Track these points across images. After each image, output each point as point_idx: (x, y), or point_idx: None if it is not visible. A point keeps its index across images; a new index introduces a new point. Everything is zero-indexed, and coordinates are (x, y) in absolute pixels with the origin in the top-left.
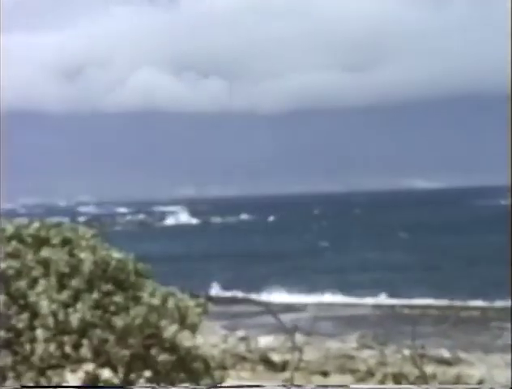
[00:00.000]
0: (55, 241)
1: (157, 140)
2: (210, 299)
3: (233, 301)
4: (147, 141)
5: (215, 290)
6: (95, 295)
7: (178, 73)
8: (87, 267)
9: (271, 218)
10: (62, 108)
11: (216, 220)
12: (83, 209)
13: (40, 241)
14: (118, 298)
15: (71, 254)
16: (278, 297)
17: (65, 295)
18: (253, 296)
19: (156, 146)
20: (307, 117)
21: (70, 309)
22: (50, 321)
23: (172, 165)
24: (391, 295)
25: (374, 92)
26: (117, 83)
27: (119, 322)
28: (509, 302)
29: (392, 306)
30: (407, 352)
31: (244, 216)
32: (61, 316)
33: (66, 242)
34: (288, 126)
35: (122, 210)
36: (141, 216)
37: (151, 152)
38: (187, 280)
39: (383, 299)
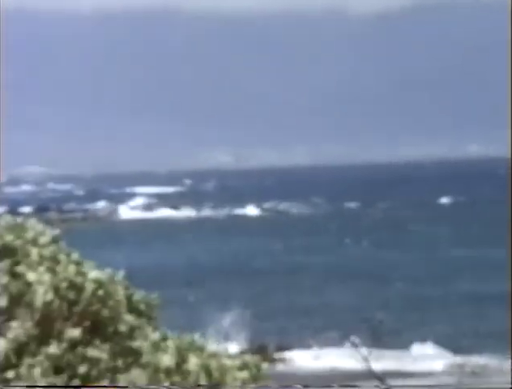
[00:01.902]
0: None
1: (169, 61)
2: (262, 353)
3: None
4: (148, 63)
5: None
6: (53, 348)
7: None
8: (40, 296)
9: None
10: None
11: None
12: (12, 190)
13: None
14: (98, 352)
15: (13, 274)
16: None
17: (1, 347)
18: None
19: (165, 72)
20: (426, 17)
21: (10, 374)
22: None
23: (186, 109)
24: None
25: None
26: None
27: None
28: None
29: None
30: None
31: (298, 205)
32: None
33: (5, 252)
34: (395, 32)
35: (80, 192)
36: (101, 204)
37: (150, 86)
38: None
39: None
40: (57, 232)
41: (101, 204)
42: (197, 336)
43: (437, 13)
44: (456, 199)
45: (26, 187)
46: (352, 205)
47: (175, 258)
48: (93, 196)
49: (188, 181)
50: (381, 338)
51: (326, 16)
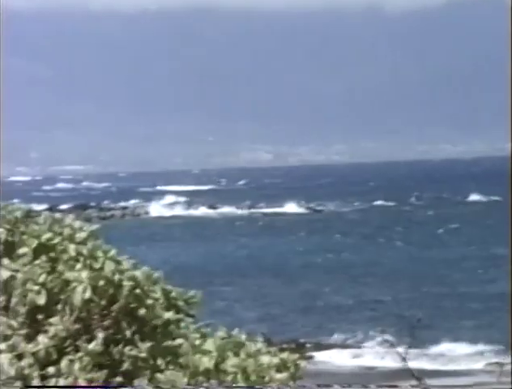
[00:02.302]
0: (25, 247)
1: (207, 58)
2: (299, 351)
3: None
4: (185, 61)
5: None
6: (93, 344)
7: None
8: (79, 294)
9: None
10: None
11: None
12: (48, 188)
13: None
14: (137, 350)
15: (51, 271)
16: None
17: (41, 344)
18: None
19: (203, 70)
20: (464, 13)
21: (51, 369)
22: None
23: (222, 108)
24: None
25: None
26: None
27: None
28: None
29: None
30: None
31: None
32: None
33: (43, 249)
34: (433, 29)
35: (114, 189)
36: (134, 202)
37: (187, 85)
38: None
39: None
40: (94, 227)
41: (134, 202)
42: (235, 333)
43: (474, 8)
44: (492, 197)
45: (62, 185)
46: (389, 203)
47: (211, 257)
48: (127, 194)
49: (224, 179)
50: (418, 337)
51: (363, 13)
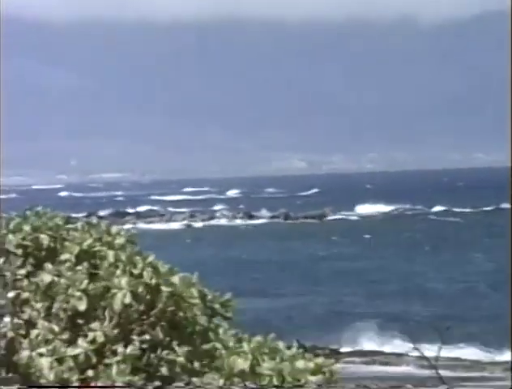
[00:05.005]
0: (66, 254)
1: (244, 69)
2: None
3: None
4: (222, 71)
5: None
6: (130, 348)
7: None
8: (119, 300)
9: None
10: (74, 15)
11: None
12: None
13: (36, 253)
14: (174, 355)
15: (92, 278)
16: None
17: (81, 348)
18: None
19: (240, 81)
20: (496, 24)
21: (90, 373)
22: None
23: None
24: None
25: None
26: None
27: None
28: None
29: None
30: None
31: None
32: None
33: (84, 255)
34: (466, 39)
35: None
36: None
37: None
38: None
39: None
40: (131, 233)
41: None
42: (270, 338)
43: (506, 19)
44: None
45: (64, 194)
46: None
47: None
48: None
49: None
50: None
51: (397, 25)
